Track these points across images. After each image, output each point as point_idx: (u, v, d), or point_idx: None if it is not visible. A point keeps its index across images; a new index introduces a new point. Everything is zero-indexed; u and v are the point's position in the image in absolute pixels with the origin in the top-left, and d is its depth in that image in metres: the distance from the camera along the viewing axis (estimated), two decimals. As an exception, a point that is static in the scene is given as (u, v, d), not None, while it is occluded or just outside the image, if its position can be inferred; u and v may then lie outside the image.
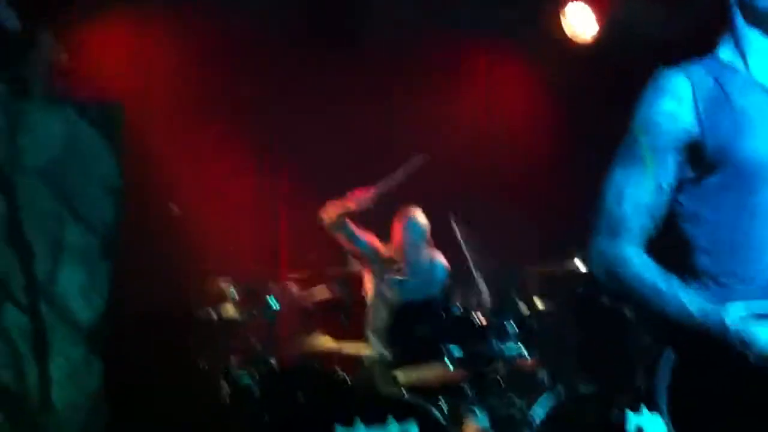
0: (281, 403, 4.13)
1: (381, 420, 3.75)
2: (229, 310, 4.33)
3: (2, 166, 4.52)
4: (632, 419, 3.84)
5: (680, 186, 1.86)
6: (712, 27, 1.99)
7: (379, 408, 3.82)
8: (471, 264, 4.46)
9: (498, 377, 4.05)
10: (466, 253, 4.49)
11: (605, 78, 5.76)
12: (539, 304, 4.32)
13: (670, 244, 1.94)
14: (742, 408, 1.69)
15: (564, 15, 6.00)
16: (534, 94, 6.63)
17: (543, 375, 4.23)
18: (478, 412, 4.05)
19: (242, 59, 5.75)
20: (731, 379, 1.70)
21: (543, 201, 5.98)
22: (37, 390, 4.39)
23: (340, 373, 4.27)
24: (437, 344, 3.98)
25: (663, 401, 1.80)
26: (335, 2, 5.96)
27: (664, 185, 1.85)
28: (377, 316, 4.82)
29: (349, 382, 4.21)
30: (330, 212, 4.71)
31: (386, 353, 4.30)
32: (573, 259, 4.51)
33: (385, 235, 4.95)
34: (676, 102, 1.82)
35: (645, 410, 3.85)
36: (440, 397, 4.01)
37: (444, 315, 4.05)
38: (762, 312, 1.71)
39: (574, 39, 6.01)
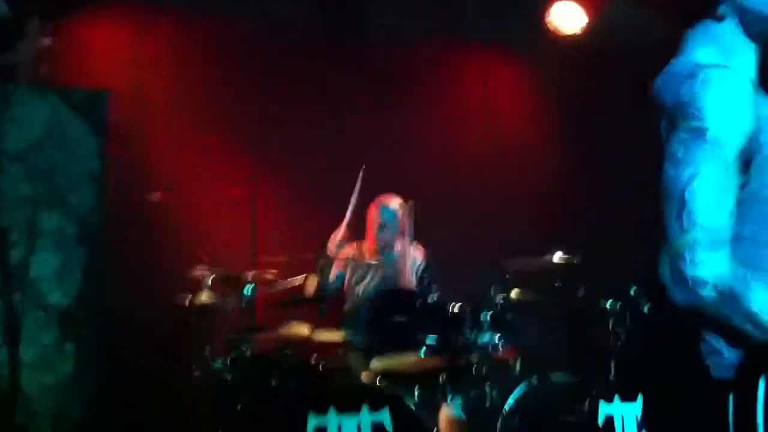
0: (255, 390, 4.12)
1: (355, 408, 3.73)
2: (205, 298, 4.32)
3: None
4: (603, 408, 3.86)
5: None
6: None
7: (353, 396, 3.81)
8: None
9: (472, 366, 4.06)
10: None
11: (599, 79, 5.81)
12: (514, 295, 4.35)
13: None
14: None
15: (555, 15, 6.03)
16: (527, 95, 6.69)
17: (517, 364, 4.24)
18: (451, 400, 4.06)
19: (227, 49, 5.76)
20: None
21: (529, 198, 6.04)
22: (7, 373, 4.37)
23: (315, 361, 4.27)
24: (412, 333, 3.99)
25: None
26: (330, 5, 5.97)
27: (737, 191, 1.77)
28: (353, 305, 4.84)
29: (324, 370, 4.21)
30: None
31: (361, 341, 4.31)
32: (551, 254, 4.55)
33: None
34: (745, 103, 1.78)
35: (617, 400, 3.88)
36: (415, 385, 4.01)
37: (419, 304, 4.06)
38: None
39: (566, 38, 6.05)
